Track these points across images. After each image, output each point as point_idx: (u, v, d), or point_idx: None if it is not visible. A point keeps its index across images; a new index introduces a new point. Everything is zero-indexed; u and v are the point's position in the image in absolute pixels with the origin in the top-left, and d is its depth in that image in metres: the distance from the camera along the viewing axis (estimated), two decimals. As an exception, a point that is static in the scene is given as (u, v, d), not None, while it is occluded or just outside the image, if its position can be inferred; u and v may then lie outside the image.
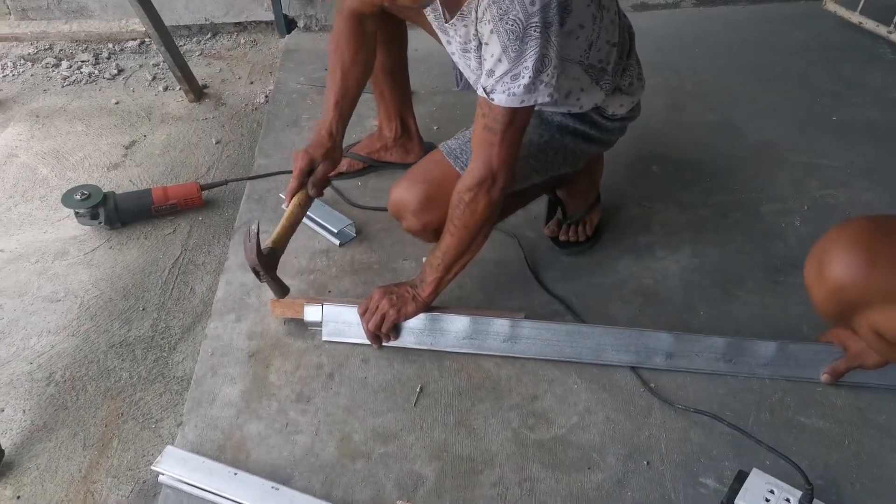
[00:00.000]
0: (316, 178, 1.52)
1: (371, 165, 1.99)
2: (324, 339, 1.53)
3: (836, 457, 1.33)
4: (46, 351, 1.61)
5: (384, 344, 1.51)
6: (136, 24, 2.35)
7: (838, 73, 2.41)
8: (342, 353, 1.52)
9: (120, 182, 2.10)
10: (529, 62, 1.17)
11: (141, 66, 2.68)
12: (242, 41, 2.84)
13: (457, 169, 1.41)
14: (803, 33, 2.63)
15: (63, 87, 2.56)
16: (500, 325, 1.49)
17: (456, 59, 1.46)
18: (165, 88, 2.54)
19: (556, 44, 1.18)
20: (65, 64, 2.67)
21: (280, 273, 1.49)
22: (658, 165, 2.03)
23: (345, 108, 1.54)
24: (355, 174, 1.98)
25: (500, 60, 1.19)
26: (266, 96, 2.48)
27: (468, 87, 1.53)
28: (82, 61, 2.68)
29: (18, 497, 1.35)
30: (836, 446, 1.34)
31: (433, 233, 1.45)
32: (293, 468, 1.32)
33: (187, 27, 2.83)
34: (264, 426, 1.39)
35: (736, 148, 2.09)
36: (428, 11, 1.39)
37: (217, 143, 2.27)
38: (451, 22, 1.32)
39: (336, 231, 1.78)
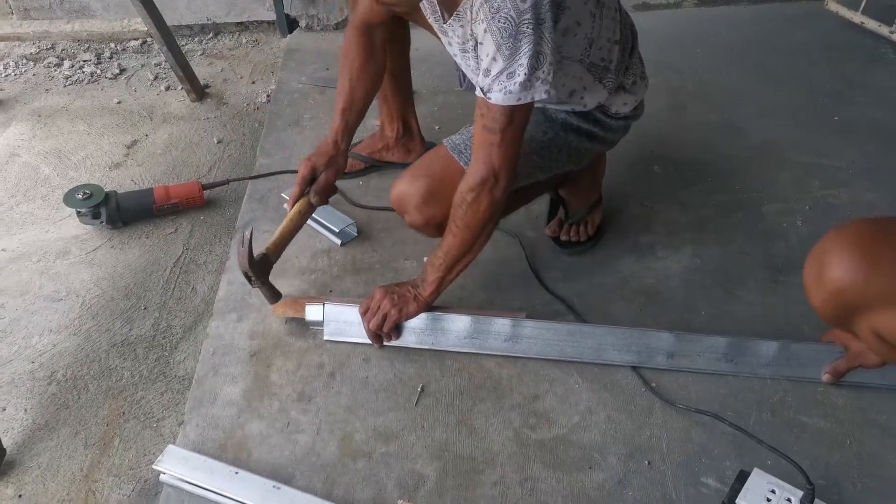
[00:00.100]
0: (318, 187, 1.53)
1: (373, 165, 1.99)
2: (325, 338, 1.53)
3: (837, 457, 1.33)
4: (48, 350, 1.61)
5: (385, 343, 1.51)
6: (138, 23, 2.35)
7: (840, 73, 2.41)
8: (343, 352, 1.52)
9: (122, 181, 2.10)
10: (524, 59, 1.17)
11: (143, 65, 2.68)
12: (244, 41, 2.84)
13: (461, 164, 1.41)
14: (805, 33, 2.63)
15: (65, 86, 2.57)
16: (502, 324, 1.49)
17: (458, 60, 1.46)
18: (167, 88, 2.54)
19: (550, 40, 1.17)
20: (67, 63, 2.67)
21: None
22: (659, 165, 2.03)
23: (351, 118, 1.56)
24: (357, 174, 1.98)
25: (494, 59, 1.19)
26: (268, 96, 2.48)
27: (471, 87, 1.53)
28: (84, 61, 2.69)
29: (20, 496, 1.35)
30: (837, 446, 1.34)
31: (436, 227, 1.44)
32: (294, 467, 1.33)
33: (189, 27, 2.84)
34: (266, 425, 1.39)
35: (737, 148, 2.09)
36: (428, 13, 1.39)
37: (219, 142, 2.28)
38: (449, 23, 1.32)
39: (337, 230, 1.78)
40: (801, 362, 1.44)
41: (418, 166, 1.47)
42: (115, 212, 1.88)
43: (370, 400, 1.44)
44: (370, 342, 1.51)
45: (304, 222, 1.57)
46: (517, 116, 1.24)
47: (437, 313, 1.50)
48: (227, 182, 2.04)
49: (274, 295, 1.51)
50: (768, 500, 1.20)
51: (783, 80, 2.38)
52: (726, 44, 2.60)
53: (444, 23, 1.33)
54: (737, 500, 1.21)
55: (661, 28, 2.66)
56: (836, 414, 1.39)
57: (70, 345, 1.63)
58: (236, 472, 1.29)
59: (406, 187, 1.44)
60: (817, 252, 1.04)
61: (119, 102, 2.47)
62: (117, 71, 2.64)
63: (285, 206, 1.85)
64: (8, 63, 2.68)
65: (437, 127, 2.16)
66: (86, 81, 2.59)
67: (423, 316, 1.49)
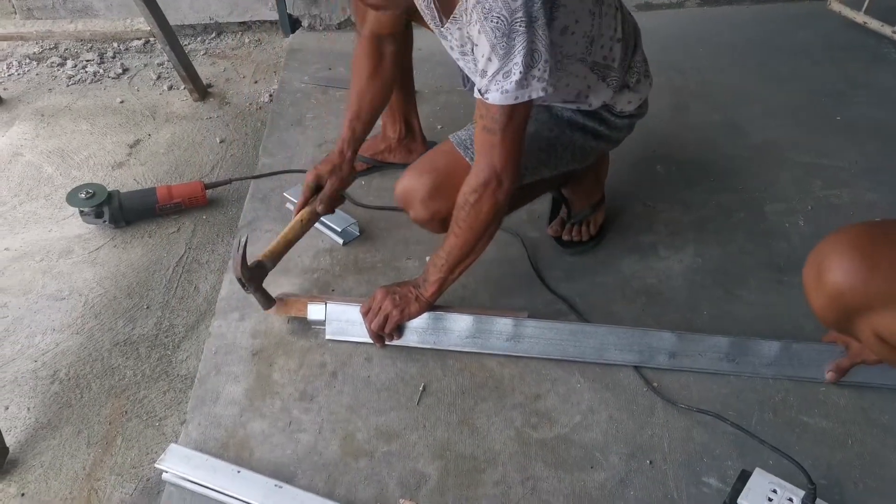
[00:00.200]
0: (323, 195, 1.55)
1: (375, 166, 2.00)
2: (327, 337, 1.54)
3: (839, 456, 1.33)
4: (51, 349, 1.62)
5: (387, 343, 1.51)
6: (141, 23, 2.36)
7: (843, 72, 2.40)
8: (345, 351, 1.52)
9: (124, 181, 2.10)
10: (518, 58, 1.16)
11: (146, 65, 2.68)
12: (247, 40, 2.84)
13: (466, 159, 1.41)
14: (808, 33, 2.63)
15: (68, 86, 2.57)
16: (504, 324, 1.49)
17: (459, 63, 1.46)
18: (170, 87, 2.55)
19: (544, 37, 1.16)
20: (70, 63, 2.68)
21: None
22: (662, 165, 2.02)
23: (358, 128, 1.58)
24: (359, 174, 1.98)
25: (490, 59, 1.19)
26: (270, 95, 2.49)
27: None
28: (87, 60, 2.69)
29: (23, 494, 1.36)
30: (839, 446, 1.34)
31: (441, 222, 1.43)
32: (296, 466, 1.33)
33: (192, 26, 2.84)
34: (268, 424, 1.40)
35: (740, 148, 2.09)
36: (427, 18, 1.39)
37: (221, 142, 2.28)
38: (446, 26, 1.31)
39: (340, 230, 1.78)
40: (803, 362, 1.44)
41: (424, 161, 1.47)
42: (117, 211, 1.89)
43: (372, 399, 1.44)
44: (372, 341, 1.51)
45: (307, 231, 1.58)
46: (516, 116, 1.24)
47: (439, 313, 1.50)
48: (229, 181, 2.04)
49: (267, 301, 1.52)
50: (770, 499, 1.20)
51: (785, 79, 2.38)
52: (729, 43, 2.59)
53: (442, 27, 1.33)
54: (738, 500, 1.21)
55: (664, 28, 2.66)
56: (837, 414, 1.39)
57: (73, 344, 1.63)
58: (238, 471, 1.29)
59: (411, 182, 1.44)
60: (816, 256, 1.04)
61: (122, 102, 2.48)
62: (120, 70, 2.64)
63: (288, 205, 1.87)
64: (11, 63, 2.69)
65: (439, 126, 2.16)
66: (89, 81, 2.59)
67: (424, 315, 1.49)
